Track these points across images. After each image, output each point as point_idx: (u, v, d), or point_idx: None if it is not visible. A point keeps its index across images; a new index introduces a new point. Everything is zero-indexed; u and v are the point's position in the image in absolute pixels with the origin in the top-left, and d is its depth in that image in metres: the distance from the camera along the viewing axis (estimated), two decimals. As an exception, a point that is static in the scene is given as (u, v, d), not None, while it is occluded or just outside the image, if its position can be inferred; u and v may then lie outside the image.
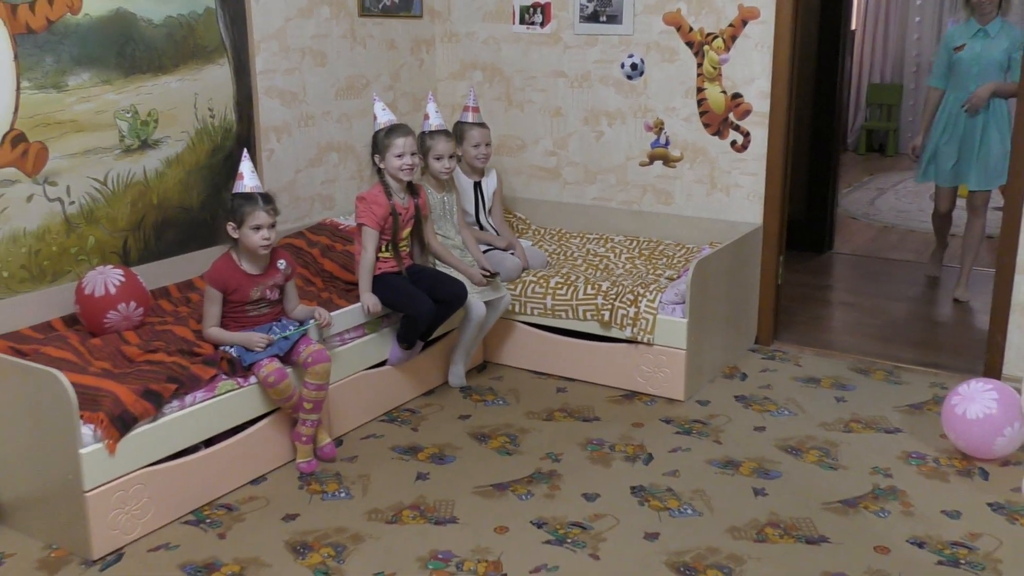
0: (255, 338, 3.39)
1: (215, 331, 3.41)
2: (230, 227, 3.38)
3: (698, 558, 2.93)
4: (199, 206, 4.13)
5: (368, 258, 3.89)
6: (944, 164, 5.38)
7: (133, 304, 3.51)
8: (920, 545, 2.98)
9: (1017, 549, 2.94)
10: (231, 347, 3.40)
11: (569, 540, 3.04)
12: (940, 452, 3.60)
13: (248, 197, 3.38)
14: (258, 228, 3.36)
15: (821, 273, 6.24)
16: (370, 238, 3.89)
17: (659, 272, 4.53)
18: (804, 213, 6.51)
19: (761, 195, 4.67)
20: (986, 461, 3.51)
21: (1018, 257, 4.05)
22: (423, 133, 4.25)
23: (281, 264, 3.51)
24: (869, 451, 3.62)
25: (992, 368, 4.17)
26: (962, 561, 2.89)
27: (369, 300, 3.84)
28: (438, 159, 4.25)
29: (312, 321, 3.56)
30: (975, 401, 3.45)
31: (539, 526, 3.12)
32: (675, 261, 4.67)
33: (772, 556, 2.94)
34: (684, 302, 4.03)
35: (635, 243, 4.95)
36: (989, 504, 3.22)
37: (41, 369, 2.88)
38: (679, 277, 4.32)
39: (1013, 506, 3.20)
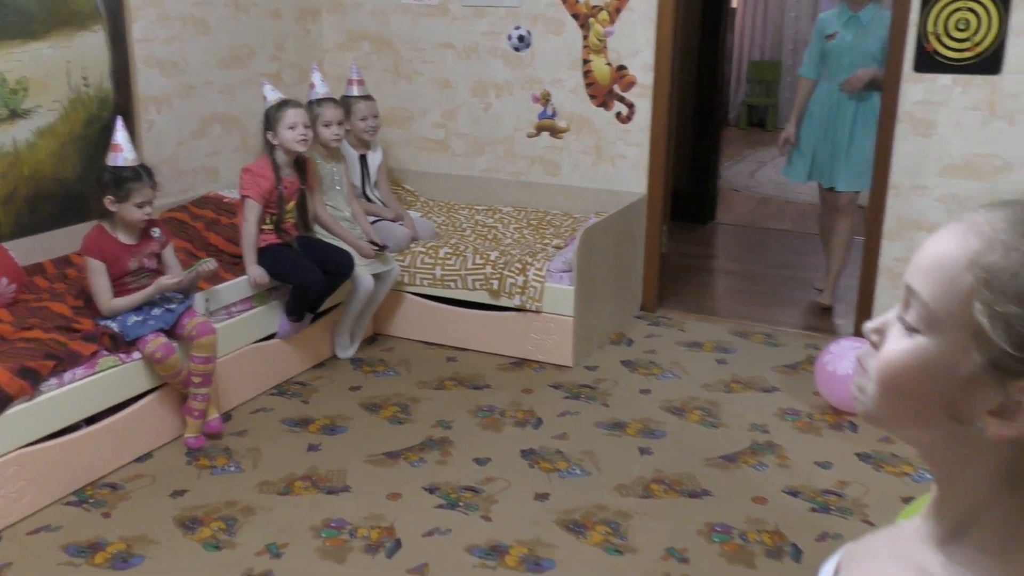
0: (164, 282, 3.32)
1: (117, 301, 3.31)
2: (108, 200, 3.29)
3: (587, 515, 3.02)
4: (75, 178, 3.99)
5: (250, 230, 3.83)
6: (822, 163, 4.79)
7: (5, 280, 3.38)
8: (795, 494, 3.14)
9: (882, 494, 3.12)
10: (113, 322, 3.31)
11: (461, 504, 3.09)
12: (813, 408, 3.78)
13: (133, 172, 3.29)
14: (142, 205, 3.28)
15: (704, 242, 6.44)
16: (252, 210, 3.83)
17: (547, 241, 4.61)
18: (688, 185, 6.69)
19: (645, 166, 4.78)
20: (855, 415, 3.70)
21: (884, 223, 4.27)
22: (310, 102, 4.20)
23: (155, 232, 3.43)
24: (748, 409, 3.78)
25: (861, 328, 4.39)
26: (832, 507, 3.06)
27: (255, 272, 3.79)
28: (327, 126, 4.21)
29: (204, 266, 3.47)
30: (844, 359, 3.63)
31: (431, 491, 3.16)
32: (562, 230, 4.75)
33: (657, 511, 3.05)
34: (571, 270, 4.11)
35: (523, 213, 5.01)
36: (857, 454, 3.41)
37: (-93, 347, 2.76)
38: (566, 246, 4.39)
39: (879, 455, 3.40)
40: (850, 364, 3.62)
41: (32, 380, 2.97)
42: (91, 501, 3.09)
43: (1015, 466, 0.73)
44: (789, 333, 4.63)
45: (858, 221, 4.86)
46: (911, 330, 0.77)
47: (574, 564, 2.77)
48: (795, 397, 3.90)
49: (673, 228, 5.29)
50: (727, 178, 8.24)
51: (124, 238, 3.36)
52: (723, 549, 2.84)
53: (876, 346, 0.81)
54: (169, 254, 3.51)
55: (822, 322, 4.79)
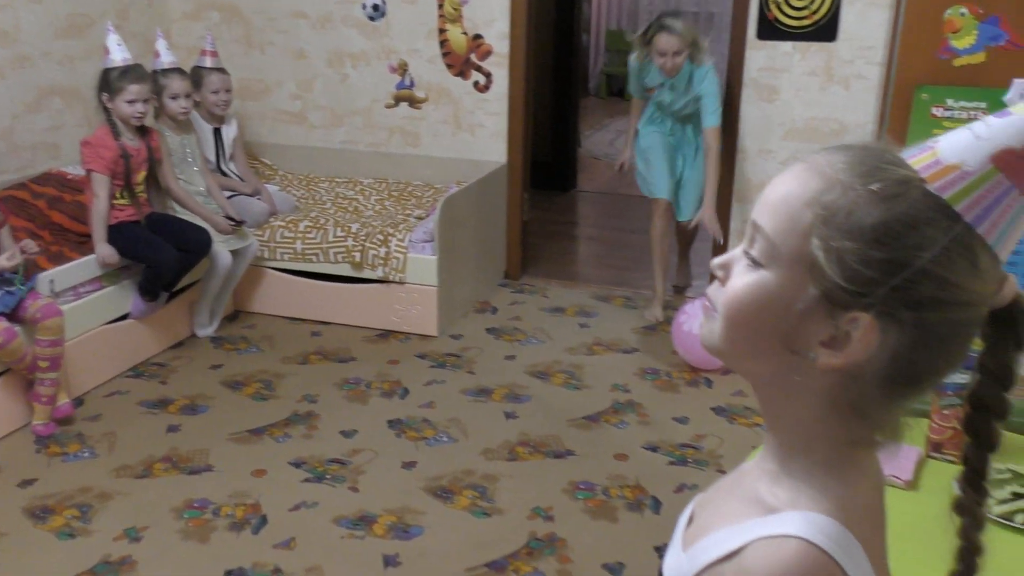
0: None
1: None
2: None
3: (454, 481, 3.05)
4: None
5: (100, 206, 3.67)
6: (665, 179, 4.30)
7: None
8: (654, 449, 3.25)
9: (735, 445, 3.27)
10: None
11: (328, 476, 3.07)
12: (671, 367, 3.92)
13: None
14: None
15: (566, 210, 6.54)
16: (101, 184, 3.67)
17: (408, 212, 4.59)
18: (549, 153, 6.77)
19: (505, 135, 4.81)
20: (710, 371, 3.85)
21: (734, 186, 4.43)
22: (155, 72, 4.04)
23: None
24: (610, 370, 3.88)
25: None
26: (689, 460, 3.18)
27: (104, 251, 3.64)
28: (174, 98, 4.06)
29: (38, 275, 3.33)
30: (699, 318, 3.77)
31: (297, 466, 3.13)
32: (424, 201, 4.74)
33: (523, 472, 3.10)
34: (433, 240, 4.12)
35: (384, 185, 4.97)
36: (713, 408, 3.56)
37: None
38: (428, 216, 4.39)
39: (732, 408, 3.55)
40: (704, 322, 3.75)
41: None
42: (-69, 496, 2.93)
43: (842, 395, 0.78)
44: (648, 296, 4.76)
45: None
46: (755, 264, 0.80)
47: (442, 529, 2.80)
48: (654, 357, 4.02)
49: (535, 196, 5.35)
50: (588, 147, 8.37)
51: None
52: (587, 505, 2.92)
53: (723, 282, 0.85)
54: (5, 235, 3.33)
55: (679, 284, 4.94)
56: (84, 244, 3.81)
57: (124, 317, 3.81)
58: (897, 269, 0.74)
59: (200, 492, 2.95)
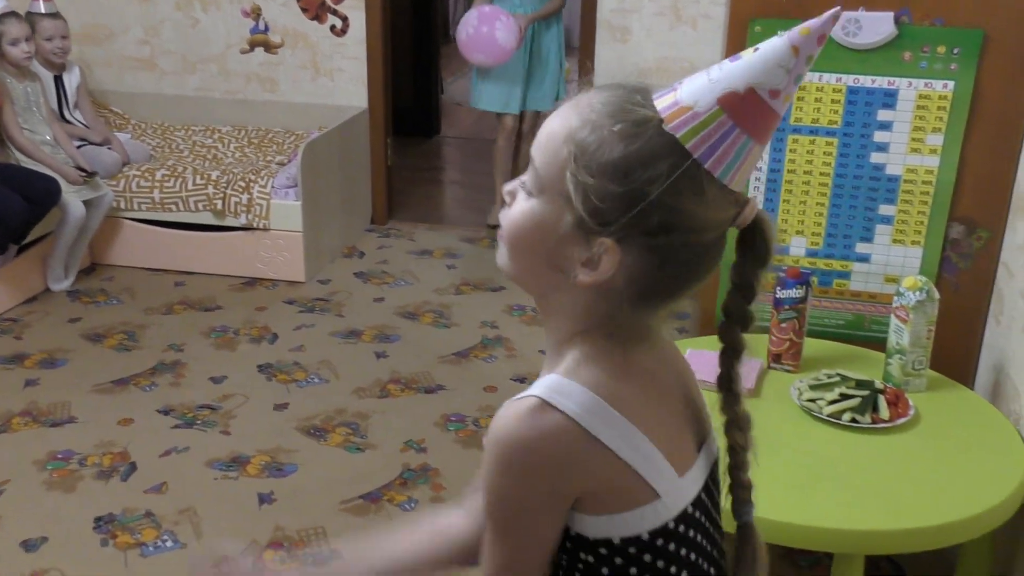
0: None
1: None
2: None
3: (327, 420, 3.09)
4: None
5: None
6: (511, 92, 4.67)
7: None
8: (522, 380, 3.37)
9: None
10: None
11: (199, 422, 3.06)
12: (537, 302, 4.03)
13: None
14: None
15: (430, 155, 6.56)
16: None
17: (269, 159, 4.53)
18: (411, 99, 6.75)
19: (365, 80, 4.79)
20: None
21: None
22: (-11, 17, 3.84)
23: None
24: (478, 308, 3.97)
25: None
26: (555, 388, 3.31)
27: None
28: (14, 44, 3.87)
29: None
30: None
31: (166, 413, 3.10)
32: (285, 147, 4.68)
33: (395, 408, 3.17)
34: (296, 185, 4.09)
35: (243, 132, 4.88)
36: (577, 339, 3.69)
37: None
38: (289, 162, 4.35)
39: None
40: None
41: None
42: None
43: (600, 307, 0.90)
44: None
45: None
46: (529, 194, 0.90)
47: (316, 465, 2.84)
48: (521, 294, 4.12)
49: (399, 143, 5.35)
50: (450, 93, 8.36)
51: None
52: (458, 436, 3.01)
53: (509, 207, 0.94)
54: None
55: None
56: (-78, 197, 3.62)
57: (-29, 272, 3.66)
58: (633, 202, 0.83)
59: (63, 444, 2.90)
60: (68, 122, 4.32)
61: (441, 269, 4.40)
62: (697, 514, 0.96)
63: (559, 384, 0.90)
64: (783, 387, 2.16)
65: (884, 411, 2.03)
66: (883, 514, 1.77)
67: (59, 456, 2.83)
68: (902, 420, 2.01)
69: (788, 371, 2.25)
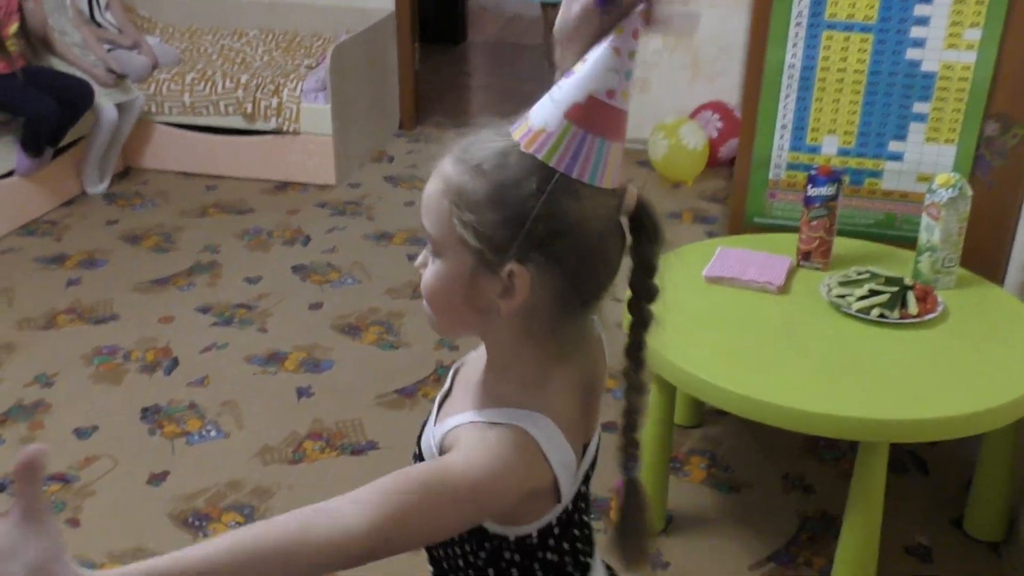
0: None
1: None
2: None
3: (361, 318, 3.16)
4: None
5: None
6: None
7: None
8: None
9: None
10: None
11: (237, 320, 3.14)
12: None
13: None
14: None
15: (457, 62, 6.50)
16: (-28, 36, 3.51)
17: (298, 62, 4.52)
18: (437, 6, 6.66)
19: (392, -19, 4.74)
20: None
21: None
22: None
23: None
24: (507, 212, 3.99)
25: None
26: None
27: (-19, 104, 3.52)
28: (41, -56, 3.85)
29: None
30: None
31: (204, 312, 3.18)
32: (313, 50, 4.66)
33: (427, 308, 3.22)
34: (325, 89, 4.09)
35: (271, 36, 4.86)
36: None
37: None
38: (318, 65, 4.34)
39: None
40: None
41: None
42: None
43: (532, 327, 0.94)
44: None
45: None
46: (433, 258, 0.96)
47: (351, 361, 2.92)
48: (549, 198, 4.14)
49: (426, 50, 5.32)
50: (476, -1, 8.25)
51: None
52: (489, 335, 3.07)
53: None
54: None
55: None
56: (-42, 100, 3.66)
57: (9, 174, 3.72)
58: (517, 223, 0.88)
59: (108, 339, 2.99)
60: (99, 25, 4.32)
61: (470, 174, 4.41)
62: (573, 505, 1.02)
63: (521, 413, 0.94)
64: (812, 284, 2.19)
65: (912, 307, 2.06)
66: (909, 404, 1.81)
67: (104, 351, 2.93)
68: (930, 316, 2.04)
69: (817, 269, 2.27)
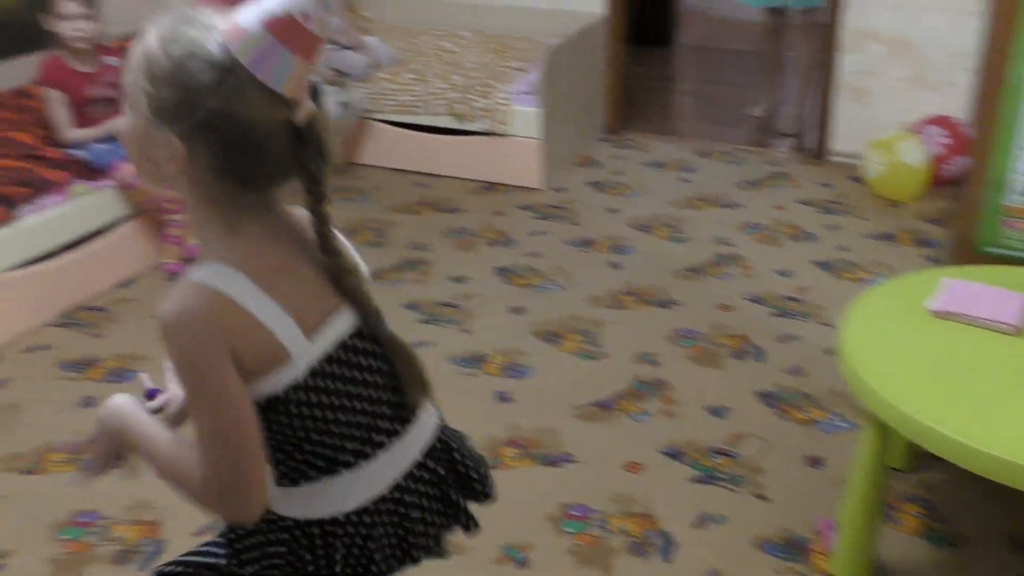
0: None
1: (78, 133, 3.31)
2: (46, 19, 3.26)
3: (562, 326, 3.16)
4: (23, 6, 3.86)
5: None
6: None
7: (-34, 111, 3.33)
8: (757, 301, 3.30)
9: (839, 298, 3.29)
10: (81, 150, 3.30)
11: (442, 319, 3.21)
12: (773, 221, 3.92)
13: None
14: (64, 17, 3.24)
15: (665, 65, 6.42)
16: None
17: (509, 65, 4.58)
18: (647, 8, 6.60)
19: (606, -15, 4.72)
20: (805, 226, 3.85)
21: (840, 37, 4.29)
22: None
23: (113, 61, 3.38)
24: (712, 224, 3.91)
25: (822, 146, 4.50)
26: (793, 312, 3.23)
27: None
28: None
29: None
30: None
31: (411, 308, 3.28)
32: (524, 53, 4.72)
33: (628, 319, 3.20)
34: (535, 92, 4.12)
35: (483, 38, 4.95)
36: (816, 262, 3.57)
37: None
38: (528, 68, 4.38)
39: (836, 263, 3.56)
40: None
41: (7, 205, 2.98)
42: (80, 323, 3.16)
43: (200, 192, 1.10)
44: (749, 151, 4.72)
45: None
46: (127, 108, 1.11)
47: (551, 369, 2.93)
48: (756, 212, 4.02)
49: (634, 52, 5.28)
50: (685, 0, 8.12)
51: (79, 66, 3.31)
52: (690, 352, 3.01)
53: None
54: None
55: (779, 139, 4.88)
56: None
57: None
58: (185, 106, 1.04)
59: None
60: (325, 24, 4.52)
61: (675, 182, 4.35)
62: (333, 367, 1.17)
63: (204, 268, 1.08)
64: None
65: None
66: None
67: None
68: None
69: (1065, 313, 2.08)
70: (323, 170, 1.13)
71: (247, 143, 1.07)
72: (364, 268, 1.29)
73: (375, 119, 4.44)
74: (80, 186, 3.25)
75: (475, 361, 2.97)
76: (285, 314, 1.11)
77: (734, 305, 3.28)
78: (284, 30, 1.03)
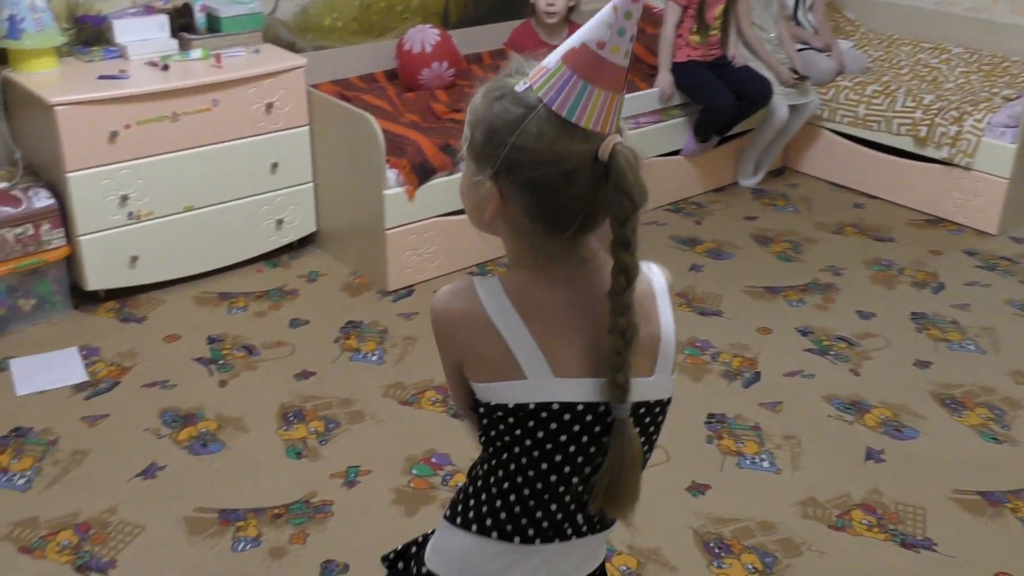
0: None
1: None
2: None
3: (968, 394, 2.78)
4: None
5: (667, 33, 3.82)
6: None
7: (446, 64, 3.70)
8: None
9: None
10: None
11: (832, 352, 2.98)
12: None
13: None
14: None
15: None
16: (672, 13, 3.80)
17: (996, 90, 4.06)
18: None
19: None
20: None
21: None
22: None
23: None
24: None
25: None
26: None
27: (664, 80, 3.79)
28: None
29: None
30: None
31: (804, 334, 3.08)
32: (1019, 80, 4.15)
33: (1054, 408, 2.73)
34: (1018, 126, 3.61)
35: (975, 56, 4.43)
36: None
37: (358, 112, 3.16)
38: (1018, 98, 3.84)
39: None
40: None
41: (453, 156, 3.27)
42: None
43: (512, 236, 1.12)
44: None
45: None
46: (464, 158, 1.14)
47: (940, 439, 2.59)
48: None
49: None
50: None
51: (545, 37, 3.51)
52: None
53: None
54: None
55: None
56: (653, 76, 3.98)
57: (675, 153, 3.97)
58: (490, 143, 1.06)
59: (705, 333, 3.06)
60: (798, 23, 4.35)
61: None
62: (566, 416, 1.09)
63: (487, 279, 1.11)
64: None
65: None
66: None
67: (697, 344, 3.00)
68: None
69: None
70: (627, 211, 1.02)
71: (549, 180, 1.04)
72: (669, 330, 1.15)
73: (824, 127, 4.20)
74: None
75: (855, 407, 2.72)
76: (533, 340, 1.08)
77: None
78: (579, 61, 1.02)
